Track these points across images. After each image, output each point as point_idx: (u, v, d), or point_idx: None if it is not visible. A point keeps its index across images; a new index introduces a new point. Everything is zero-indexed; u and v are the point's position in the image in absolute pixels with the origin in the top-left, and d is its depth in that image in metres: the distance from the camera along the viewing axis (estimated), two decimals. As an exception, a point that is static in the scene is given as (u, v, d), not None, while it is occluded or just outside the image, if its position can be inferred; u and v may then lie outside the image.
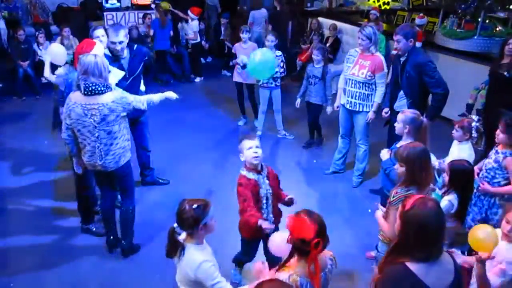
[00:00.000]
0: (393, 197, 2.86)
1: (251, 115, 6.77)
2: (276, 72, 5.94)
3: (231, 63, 6.72)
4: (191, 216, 2.37)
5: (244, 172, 3.11)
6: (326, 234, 2.19)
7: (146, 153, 4.92)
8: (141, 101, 3.70)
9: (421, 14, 8.20)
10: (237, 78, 6.57)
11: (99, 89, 3.37)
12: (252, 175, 3.08)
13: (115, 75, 4.13)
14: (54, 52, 4.40)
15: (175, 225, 2.43)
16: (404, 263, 1.97)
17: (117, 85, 3.95)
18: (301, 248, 2.15)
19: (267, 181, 3.13)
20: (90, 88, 3.36)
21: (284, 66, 6.16)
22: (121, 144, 3.59)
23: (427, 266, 1.96)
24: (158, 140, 5.43)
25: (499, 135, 3.48)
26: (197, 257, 2.41)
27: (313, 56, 5.79)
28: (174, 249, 2.44)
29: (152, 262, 3.81)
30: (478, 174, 3.63)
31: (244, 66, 5.91)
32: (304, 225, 2.12)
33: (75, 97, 3.44)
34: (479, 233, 2.53)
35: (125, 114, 3.56)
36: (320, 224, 2.17)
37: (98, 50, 3.80)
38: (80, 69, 3.40)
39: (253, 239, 3.32)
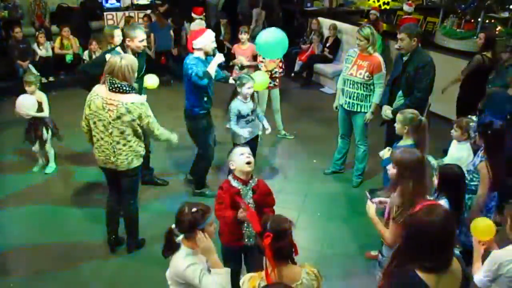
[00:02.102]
0: (396, 212, 2.69)
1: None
2: (275, 72, 5.93)
3: (230, 63, 6.71)
4: (188, 220, 2.36)
5: (229, 178, 3.02)
6: (286, 239, 2.07)
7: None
8: (158, 127, 3.66)
9: (410, 2, 8.42)
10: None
11: (124, 88, 3.42)
12: (236, 184, 2.97)
13: None
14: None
15: (173, 226, 2.43)
16: (414, 271, 1.90)
17: None
18: (259, 244, 2.05)
19: (250, 194, 2.98)
20: (116, 85, 3.41)
21: (283, 66, 6.07)
22: (134, 148, 3.60)
23: (437, 276, 1.89)
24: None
25: (477, 139, 3.49)
26: (183, 262, 2.38)
27: None
28: (170, 249, 2.45)
29: (152, 261, 3.80)
30: None
31: (242, 67, 5.87)
32: (255, 214, 2.04)
33: (99, 90, 3.49)
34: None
35: (137, 125, 3.50)
36: (278, 223, 2.08)
37: (210, 35, 4.48)
38: (107, 68, 3.45)
39: (232, 247, 3.11)
